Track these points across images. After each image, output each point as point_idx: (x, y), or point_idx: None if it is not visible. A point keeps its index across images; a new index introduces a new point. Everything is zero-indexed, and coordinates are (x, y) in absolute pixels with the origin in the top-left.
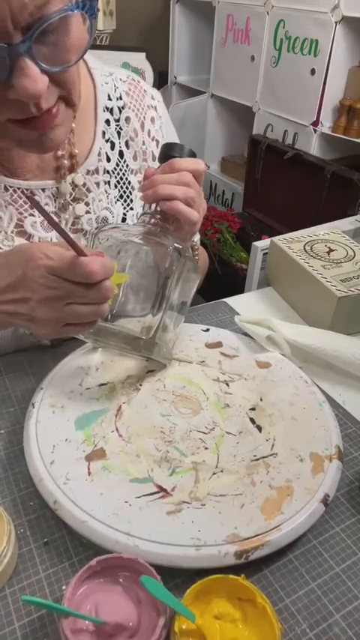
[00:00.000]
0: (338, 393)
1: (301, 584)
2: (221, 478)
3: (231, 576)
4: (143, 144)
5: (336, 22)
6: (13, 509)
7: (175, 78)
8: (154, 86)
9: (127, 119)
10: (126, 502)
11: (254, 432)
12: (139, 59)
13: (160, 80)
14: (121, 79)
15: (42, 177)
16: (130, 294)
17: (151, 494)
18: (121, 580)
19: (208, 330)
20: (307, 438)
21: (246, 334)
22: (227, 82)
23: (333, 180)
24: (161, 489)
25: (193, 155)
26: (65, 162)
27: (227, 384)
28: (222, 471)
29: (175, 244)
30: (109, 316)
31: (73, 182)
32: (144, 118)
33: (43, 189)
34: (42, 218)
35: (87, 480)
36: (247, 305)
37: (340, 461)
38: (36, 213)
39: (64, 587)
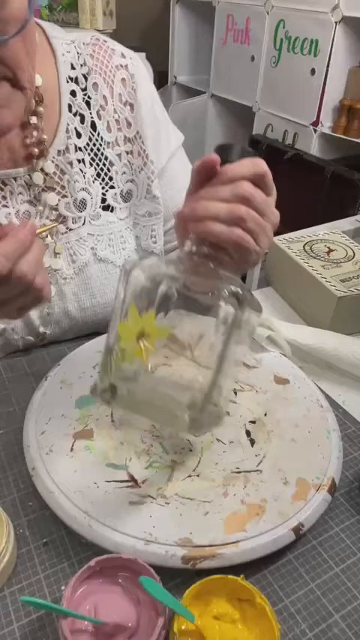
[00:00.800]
0: (338, 393)
1: (301, 584)
2: (195, 482)
3: (230, 576)
4: (115, 112)
5: (336, 22)
6: (12, 510)
7: (175, 78)
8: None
9: (95, 85)
10: (95, 483)
11: (245, 445)
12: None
13: (160, 80)
14: (84, 43)
15: (14, 167)
16: (170, 352)
17: (121, 481)
18: (120, 580)
19: None
20: (300, 462)
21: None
22: (227, 82)
23: (333, 180)
24: (132, 479)
25: (249, 154)
26: (35, 150)
27: (235, 393)
28: (198, 476)
29: (232, 287)
30: (142, 379)
31: (42, 169)
32: (112, 81)
33: (15, 178)
34: (17, 209)
35: (67, 455)
36: None
37: (330, 494)
38: (10, 204)
39: (63, 588)
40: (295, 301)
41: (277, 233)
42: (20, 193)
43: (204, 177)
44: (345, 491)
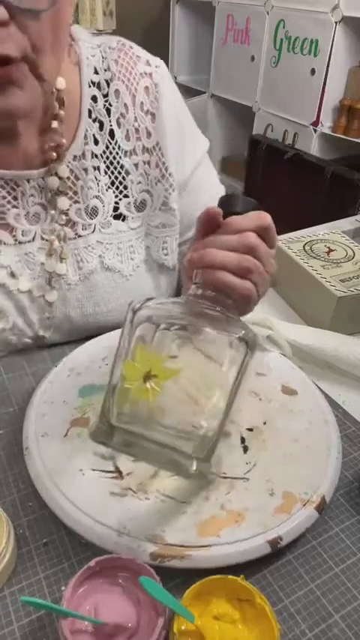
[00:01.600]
0: (338, 393)
1: (301, 584)
2: (179, 481)
3: (230, 577)
4: (135, 120)
5: (336, 22)
6: (12, 510)
7: (175, 78)
8: None
9: (117, 92)
10: (81, 470)
11: (238, 451)
12: None
13: None
14: (110, 47)
15: (30, 167)
16: (175, 396)
17: (106, 471)
18: (120, 581)
19: None
20: (291, 475)
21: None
22: (227, 82)
23: (333, 180)
24: (117, 471)
25: (256, 208)
26: (54, 154)
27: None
28: None
29: (243, 331)
30: (148, 421)
31: (56, 173)
32: (135, 89)
33: (28, 180)
34: (27, 210)
35: (61, 439)
36: None
37: (318, 512)
38: (20, 205)
39: (63, 588)
40: (295, 301)
41: (277, 233)
42: (32, 195)
43: (208, 228)
44: (345, 491)
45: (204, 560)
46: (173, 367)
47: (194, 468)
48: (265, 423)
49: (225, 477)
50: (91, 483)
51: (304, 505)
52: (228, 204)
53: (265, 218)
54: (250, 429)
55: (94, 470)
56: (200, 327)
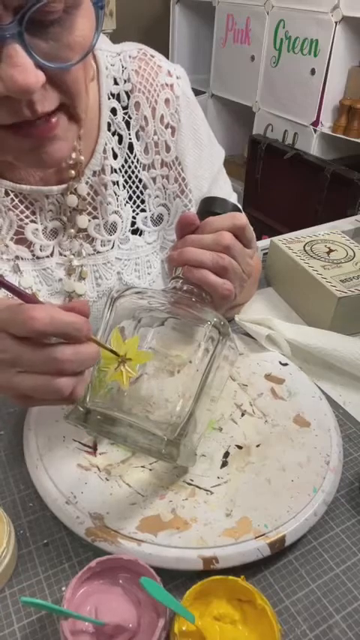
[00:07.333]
0: (338, 393)
1: (302, 585)
2: (144, 474)
3: (231, 577)
4: (155, 133)
5: (336, 22)
6: (12, 510)
7: None
8: None
9: (137, 105)
10: (63, 436)
11: (215, 464)
12: None
13: None
14: (130, 56)
15: (47, 183)
16: (152, 379)
17: (83, 444)
18: (120, 581)
19: (286, 364)
20: (258, 503)
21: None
22: (227, 82)
23: (333, 180)
24: (93, 447)
25: (236, 210)
26: (72, 172)
27: (242, 414)
28: (151, 470)
29: (215, 319)
30: (122, 405)
31: (76, 191)
32: (155, 101)
33: (47, 196)
34: (45, 225)
35: (58, 410)
36: (247, 305)
37: (269, 548)
38: (39, 220)
39: (63, 589)
40: (295, 301)
41: (277, 233)
42: (50, 211)
43: (185, 230)
44: (345, 491)
45: (131, 553)
46: (147, 352)
47: (163, 450)
48: (258, 446)
49: (189, 484)
50: (66, 450)
51: (257, 537)
52: (208, 206)
53: (240, 218)
54: (240, 447)
55: (74, 440)
56: (176, 314)
